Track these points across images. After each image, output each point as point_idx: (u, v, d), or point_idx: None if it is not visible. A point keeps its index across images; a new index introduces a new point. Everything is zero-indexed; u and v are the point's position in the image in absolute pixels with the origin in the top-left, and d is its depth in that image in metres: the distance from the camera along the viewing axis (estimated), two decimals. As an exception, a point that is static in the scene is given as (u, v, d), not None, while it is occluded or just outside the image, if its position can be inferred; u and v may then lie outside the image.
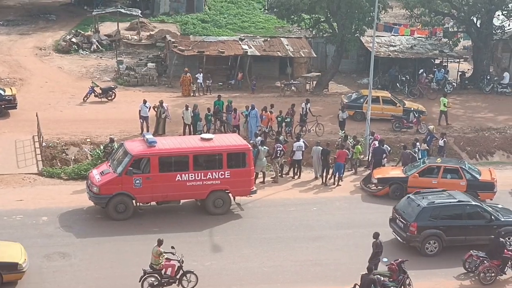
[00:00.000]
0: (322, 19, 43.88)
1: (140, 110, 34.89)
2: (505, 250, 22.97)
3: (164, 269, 21.57)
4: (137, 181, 26.00)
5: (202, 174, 26.60)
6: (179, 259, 21.75)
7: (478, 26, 45.34)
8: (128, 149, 26.46)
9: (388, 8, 43.09)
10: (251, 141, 31.62)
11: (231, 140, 27.83)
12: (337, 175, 30.98)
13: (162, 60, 46.97)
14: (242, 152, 27.14)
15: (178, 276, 21.72)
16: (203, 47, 44.64)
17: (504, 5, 43.63)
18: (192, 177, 26.48)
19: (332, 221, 27.18)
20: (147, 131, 33.92)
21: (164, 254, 21.60)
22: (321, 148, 31.01)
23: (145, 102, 34.98)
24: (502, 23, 45.17)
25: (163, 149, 26.50)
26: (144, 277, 21.39)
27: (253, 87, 43.22)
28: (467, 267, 23.27)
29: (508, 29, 47.03)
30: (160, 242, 21.50)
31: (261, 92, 43.35)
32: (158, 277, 21.46)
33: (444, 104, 38.71)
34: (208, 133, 33.56)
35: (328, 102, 41.87)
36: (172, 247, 21.73)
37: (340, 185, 30.99)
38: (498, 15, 45.70)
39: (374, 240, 22.59)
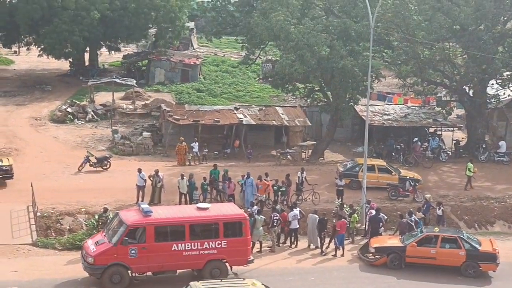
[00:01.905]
0: (316, 88, 44.30)
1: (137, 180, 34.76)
2: None
3: None
4: (133, 251, 25.69)
5: (199, 243, 26.36)
6: None
7: (471, 95, 45.81)
8: (123, 219, 26.24)
9: (381, 78, 43.57)
10: (248, 210, 31.46)
11: (228, 210, 27.74)
12: (340, 247, 30.67)
13: (157, 129, 47.14)
14: (239, 221, 26.98)
15: None
16: (199, 116, 44.93)
17: (498, 74, 44.09)
18: (188, 247, 26.23)
19: (331, 292, 26.85)
20: (143, 200, 33.70)
21: None
22: (317, 217, 30.81)
23: (140, 171, 34.88)
24: (497, 91, 45.61)
25: (159, 219, 26.28)
26: None
27: (248, 156, 43.29)
28: None
29: (504, 98, 47.48)
30: None
31: (257, 160, 43.38)
32: None
33: (469, 169, 38.99)
34: (204, 202, 33.51)
35: (324, 171, 41.84)
36: None
37: (344, 256, 30.66)
38: (492, 84, 46.25)
39: None
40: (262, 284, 23.66)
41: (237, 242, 26.80)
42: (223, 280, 24.05)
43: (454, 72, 44.83)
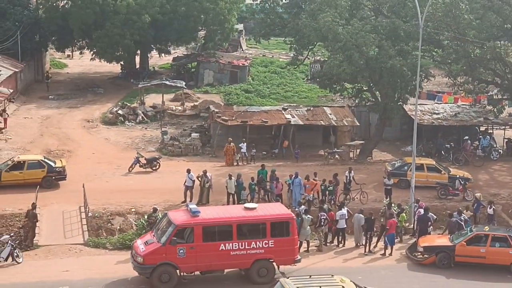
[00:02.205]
0: (364, 88, 44.14)
1: (185, 180, 35.18)
2: None
3: None
4: (181, 251, 26.05)
5: (246, 243, 26.56)
6: None
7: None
8: (172, 219, 26.62)
9: (430, 77, 43.16)
10: (295, 210, 31.59)
11: (275, 209, 27.89)
12: (389, 247, 30.57)
13: (206, 130, 47.62)
14: (286, 221, 27.09)
15: None
16: (247, 117, 45.20)
17: (549, 71, 43.34)
18: (236, 247, 26.46)
19: (379, 291, 26.76)
20: (191, 200, 34.11)
21: None
22: (363, 216, 30.79)
23: (189, 171, 35.30)
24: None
25: (207, 219, 26.59)
26: None
27: (296, 156, 43.41)
28: None
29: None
30: None
31: (305, 160, 43.46)
32: None
33: None
34: (252, 202, 33.78)
35: (372, 170, 41.69)
36: None
37: (392, 255, 30.55)
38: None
39: None
40: (351, 281, 23.96)
41: (284, 241, 26.91)
42: (312, 277, 24.25)
43: (505, 70, 44.05)
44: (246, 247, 26.56)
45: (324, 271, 28.33)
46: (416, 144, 44.41)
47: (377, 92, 43.53)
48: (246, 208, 27.65)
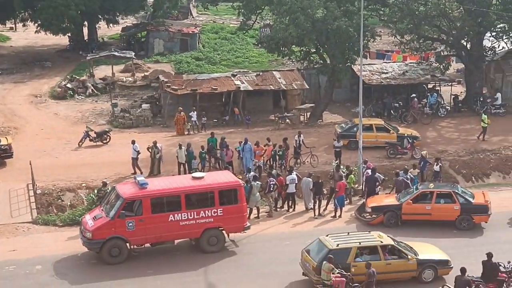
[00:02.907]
0: (312, 51, 44.16)
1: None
2: (499, 273, 22.84)
3: (334, 285, 22.49)
4: (130, 224, 26.07)
5: (195, 213, 26.69)
6: (348, 274, 22.85)
7: (468, 49, 45.59)
8: (119, 193, 26.58)
9: (376, 36, 43.32)
10: (247, 176, 31.74)
11: (222, 178, 27.98)
12: (339, 209, 30.94)
13: (157, 100, 47.26)
14: (234, 188, 27.25)
15: None
16: (196, 85, 44.97)
17: (492, 26, 43.85)
18: (185, 217, 26.57)
19: (328, 253, 27.11)
20: (141, 172, 34.03)
21: (335, 270, 22.65)
22: (311, 180, 31.05)
23: (133, 142, 35.19)
24: (493, 44, 45.38)
25: (155, 190, 26.60)
26: None
27: (247, 122, 43.46)
28: None
29: (500, 50, 47.28)
30: (330, 259, 22.77)
31: (256, 126, 43.52)
32: None
33: (483, 120, 39.68)
34: (203, 171, 33.85)
35: (322, 133, 42.00)
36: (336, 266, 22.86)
37: (341, 217, 30.92)
38: (489, 37, 45.97)
39: (368, 270, 22.61)
40: (388, 236, 25.26)
41: (233, 209, 27.11)
42: (350, 234, 25.31)
43: (450, 26, 44.54)
44: (195, 216, 26.69)
45: (275, 236, 28.88)
46: (366, 104, 45.16)
47: (325, 54, 43.59)
48: (194, 178, 27.70)
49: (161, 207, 26.46)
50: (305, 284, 24.66)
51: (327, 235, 24.95)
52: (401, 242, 25.61)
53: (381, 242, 24.60)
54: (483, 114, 40.31)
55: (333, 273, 22.74)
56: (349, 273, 23.08)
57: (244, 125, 43.48)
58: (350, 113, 46.32)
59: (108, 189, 30.07)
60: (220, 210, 26.90)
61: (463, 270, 22.01)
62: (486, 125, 39.67)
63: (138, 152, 34.90)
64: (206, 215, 26.79)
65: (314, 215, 31.04)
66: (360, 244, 24.35)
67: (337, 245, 24.02)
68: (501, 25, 44.24)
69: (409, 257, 24.50)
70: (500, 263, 23.22)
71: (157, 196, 26.45)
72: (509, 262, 23.18)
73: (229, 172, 30.19)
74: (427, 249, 25.59)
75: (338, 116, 46.04)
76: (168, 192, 26.72)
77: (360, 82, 35.09)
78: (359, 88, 46.02)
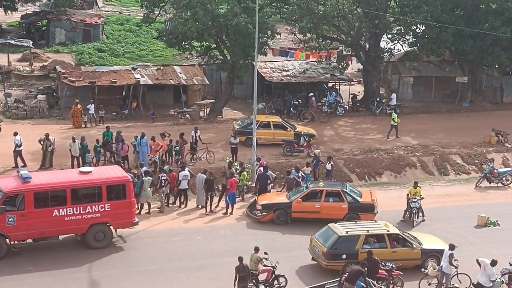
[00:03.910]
0: (212, 46, 44.00)
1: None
2: (379, 270, 23.28)
3: (260, 274, 23.29)
4: (11, 219, 25.23)
5: (81, 208, 26.09)
6: (274, 264, 23.50)
7: (367, 49, 46.48)
8: (0, 186, 25.67)
9: (276, 34, 43.54)
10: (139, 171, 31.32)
11: (111, 172, 27.47)
12: (230, 206, 30.88)
13: (54, 91, 46.07)
14: (122, 184, 26.80)
15: (271, 280, 23.47)
16: (95, 77, 44.09)
17: (388, 29, 44.87)
18: (70, 212, 25.93)
19: (216, 250, 27.04)
20: (24, 164, 33.15)
21: (263, 260, 23.32)
22: (205, 176, 30.91)
23: (15, 134, 34.26)
24: (389, 46, 46.47)
25: (38, 185, 25.82)
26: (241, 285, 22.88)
27: (152, 116, 42.88)
28: None
29: (398, 52, 48.49)
30: (257, 249, 23.35)
31: (156, 120, 43.04)
32: (255, 282, 23.08)
33: (393, 119, 40.41)
34: (98, 165, 33.23)
35: (221, 129, 41.93)
36: (265, 253, 23.64)
37: (232, 214, 30.89)
38: (388, 38, 47.01)
39: (238, 264, 22.71)
40: (394, 226, 26.71)
41: (121, 204, 26.67)
42: (357, 222, 26.75)
43: (349, 27, 45.27)
44: (81, 211, 26.10)
45: (164, 232, 28.63)
46: (266, 101, 45.41)
47: (225, 50, 43.50)
48: (81, 172, 27.11)
49: (45, 202, 25.71)
50: (191, 279, 24.53)
51: (337, 223, 26.10)
52: (406, 232, 26.70)
53: (388, 230, 25.68)
54: (393, 113, 41.26)
55: (260, 264, 23.45)
56: (274, 265, 23.66)
57: (143, 119, 42.88)
58: (251, 109, 45.96)
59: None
60: (107, 206, 26.40)
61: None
62: (396, 123, 40.56)
63: (18, 145, 33.79)
64: (93, 210, 26.25)
65: (206, 211, 30.91)
66: (368, 232, 25.32)
67: (347, 232, 24.96)
68: (398, 27, 45.33)
69: (414, 246, 25.43)
70: (380, 261, 23.66)
71: (40, 191, 25.68)
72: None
73: (119, 167, 29.66)
74: (430, 239, 26.64)
75: (238, 112, 46.12)
76: (52, 186, 25.99)
77: (255, 78, 35.02)
78: (260, 85, 46.84)
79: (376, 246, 25.06)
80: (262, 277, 23.58)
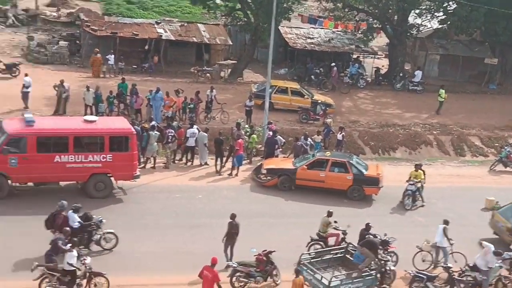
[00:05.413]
0: (237, 7, 43.44)
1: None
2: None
3: (329, 238, 23.34)
4: (13, 161, 25.21)
5: (83, 156, 25.95)
6: (344, 230, 23.32)
7: (394, 23, 45.56)
8: (5, 128, 25.69)
9: (302, 1, 42.79)
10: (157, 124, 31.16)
11: (116, 124, 27.34)
12: (236, 167, 30.63)
13: (77, 39, 45.99)
14: (125, 136, 26.57)
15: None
16: (117, 28, 43.89)
17: (417, 4, 43.86)
18: (72, 159, 25.81)
19: (215, 210, 26.80)
20: (27, 107, 33.42)
21: (332, 224, 23.33)
22: (207, 135, 30.77)
23: (26, 75, 34.42)
24: (416, 21, 45.51)
25: (42, 129, 25.71)
26: (311, 243, 23.17)
27: (150, 70, 42.64)
28: None
29: (428, 29, 47.48)
30: (330, 213, 23.47)
31: (175, 77, 42.84)
32: (323, 244, 23.07)
33: (440, 94, 39.88)
34: (110, 115, 33.17)
35: (239, 91, 41.58)
36: (335, 221, 23.51)
37: (238, 175, 30.67)
38: (415, 13, 46.05)
39: (231, 220, 22.44)
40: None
41: (123, 156, 26.45)
42: None
43: (377, -1, 44.43)
44: (83, 160, 25.97)
45: (166, 188, 28.50)
46: (289, 67, 44.92)
47: (249, 12, 42.92)
48: (86, 121, 26.91)
49: (47, 147, 25.60)
50: (186, 237, 24.41)
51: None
52: None
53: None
54: (440, 89, 40.52)
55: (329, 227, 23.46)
56: (344, 230, 23.45)
57: (163, 74, 42.61)
58: (273, 74, 45.74)
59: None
60: (109, 156, 26.23)
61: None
62: (443, 99, 39.76)
63: (26, 86, 33.98)
64: (94, 160, 26.10)
65: (216, 171, 30.64)
66: None
67: None
68: (427, 3, 44.29)
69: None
70: (377, 235, 23.29)
71: (43, 135, 25.58)
72: (385, 235, 23.29)
73: (124, 118, 29.44)
74: None
75: (260, 76, 45.69)
76: (55, 132, 25.86)
77: (271, 41, 34.34)
78: (285, 50, 46.59)
79: None
80: (331, 241, 23.43)
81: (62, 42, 44.02)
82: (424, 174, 29.55)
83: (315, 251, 22.40)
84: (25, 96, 34.05)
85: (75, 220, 22.21)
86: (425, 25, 46.37)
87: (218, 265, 19.84)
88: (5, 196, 25.52)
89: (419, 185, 28.93)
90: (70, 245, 20.05)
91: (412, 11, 45.31)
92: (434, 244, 23.67)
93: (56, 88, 34.23)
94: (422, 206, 29.01)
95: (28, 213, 24.79)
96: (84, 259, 20.20)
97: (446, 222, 23.74)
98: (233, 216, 22.52)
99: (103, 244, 22.78)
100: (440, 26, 46.92)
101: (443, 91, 40.30)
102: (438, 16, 45.66)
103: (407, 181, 29.13)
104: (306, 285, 21.19)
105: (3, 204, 25.18)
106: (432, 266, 23.61)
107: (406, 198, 28.69)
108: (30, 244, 21.93)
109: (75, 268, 19.86)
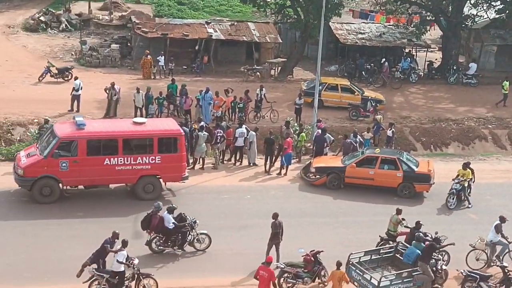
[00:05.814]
0: (287, 4, 43.23)
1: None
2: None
3: (399, 236, 22.98)
4: (64, 164, 25.58)
5: (132, 158, 26.18)
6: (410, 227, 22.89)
7: (448, 15, 44.66)
8: (56, 131, 26.09)
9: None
10: (206, 124, 31.24)
11: (164, 125, 27.47)
12: (285, 167, 30.45)
13: (128, 41, 46.50)
14: (174, 137, 26.67)
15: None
16: (168, 29, 44.19)
17: (472, -7, 43.01)
18: (121, 161, 26.07)
19: (263, 210, 26.56)
20: (78, 110, 33.90)
21: (403, 222, 23.11)
22: (255, 134, 30.66)
23: (76, 78, 34.94)
24: (472, 12, 44.48)
25: (92, 132, 26.04)
26: (381, 242, 22.98)
27: (197, 70, 42.76)
28: None
29: (484, 19, 46.37)
30: (399, 211, 23.25)
31: (225, 76, 42.90)
32: (392, 243, 22.64)
33: (503, 86, 39.32)
34: (160, 117, 33.41)
35: (289, 89, 41.38)
36: (403, 219, 23.20)
37: (286, 175, 30.50)
38: (471, 4, 45.05)
39: (273, 220, 22.29)
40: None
41: (172, 158, 26.59)
42: None
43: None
44: (132, 162, 26.19)
45: (214, 189, 28.52)
46: (339, 63, 44.49)
47: (299, 8, 42.66)
48: (135, 123, 27.15)
49: (97, 150, 25.91)
50: (234, 238, 24.36)
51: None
52: None
53: None
54: (504, 81, 39.62)
55: (401, 226, 23.25)
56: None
57: (212, 74, 42.69)
58: (323, 71, 45.44)
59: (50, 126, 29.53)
60: (158, 158, 26.41)
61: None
62: (506, 92, 39.06)
63: (76, 89, 34.48)
64: (143, 162, 26.31)
65: (265, 171, 30.52)
66: None
67: None
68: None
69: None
70: (427, 233, 22.86)
71: (93, 138, 25.89)
72: (436, 233, 22.81)
73: (173, 120, 29.56)
74: None
75: (309, 73, 45.37)
76: (105, 135, 26.14)
77: (320, 38, 34.09)
78: (335, 47, 46.15)
79: None
80: (400, 238, 23.11)
81: (113, 45, 44.51)
82: (473, 174, 28.57)
83: (364, 250, 22.07)
84: (74, 99, 34.49)
85: (170, 221, 22.58)
86: (480, 16, 45.12)
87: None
88: (56, 199, 25.93)
89: (465, 184, 28.10)
90: (120, 246, 20.24)
91: (467, 1, 44.22)
92: (488, 242, 23.10)
93: (107, 91, 34.61)
94: (468, 207, 28.06)
95: (78, 216, 25.17)
96: (132, 260, 20.35)
97: (502, 219, 23.12)
98: (275, 216, 22.42)
99: (196, 245, 23.11)
100: (498, 16, 45.69)
101: (507, 82, 39.25)
102: (495, 6, 44.44)
103: (453, 179, 28.37)
104: (354, 286, 21.01)
105: (54, 208, 25.62)
106: (486, 265, 23.03)
107: (450, 196, 27.86)
108: (80, 247, 22.19)
109: (123, 270, 20.05)
